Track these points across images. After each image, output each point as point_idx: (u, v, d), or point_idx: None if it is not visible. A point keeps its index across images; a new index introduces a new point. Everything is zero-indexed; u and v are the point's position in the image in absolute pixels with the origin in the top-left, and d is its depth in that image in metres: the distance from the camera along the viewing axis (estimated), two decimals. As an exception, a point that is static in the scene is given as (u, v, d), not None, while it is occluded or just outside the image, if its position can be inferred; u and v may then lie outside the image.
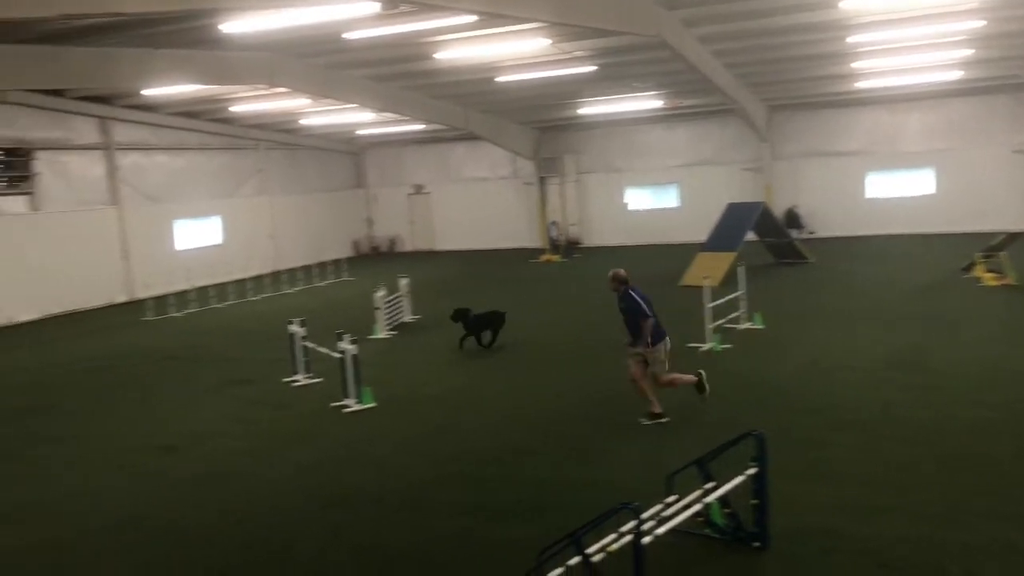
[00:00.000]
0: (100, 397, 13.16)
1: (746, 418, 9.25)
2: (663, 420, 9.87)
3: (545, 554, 5.45)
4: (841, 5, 15.61)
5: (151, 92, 20.95)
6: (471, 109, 26.79)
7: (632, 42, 17.84)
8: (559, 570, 5.53)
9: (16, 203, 21.71)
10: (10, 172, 21.48)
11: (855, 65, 21.86)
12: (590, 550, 5.60)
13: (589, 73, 20.81)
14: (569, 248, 29.93)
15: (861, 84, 24.45)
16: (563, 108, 27.39)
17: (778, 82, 24.40)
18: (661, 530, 6.01)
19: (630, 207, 31.50)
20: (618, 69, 20.99)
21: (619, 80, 22.65)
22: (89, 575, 7.03)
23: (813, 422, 9.63)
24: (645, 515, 5.97)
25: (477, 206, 33.04)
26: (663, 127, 30.17)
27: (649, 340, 9.80)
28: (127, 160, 24.55)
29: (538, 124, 30.65)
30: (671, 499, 6.50)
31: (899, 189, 28.02)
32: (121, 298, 23.84)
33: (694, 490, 6.55)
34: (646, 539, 5.73)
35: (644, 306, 9.79)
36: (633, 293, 9.92)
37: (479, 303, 20.16)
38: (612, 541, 5.74)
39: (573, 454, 9.14)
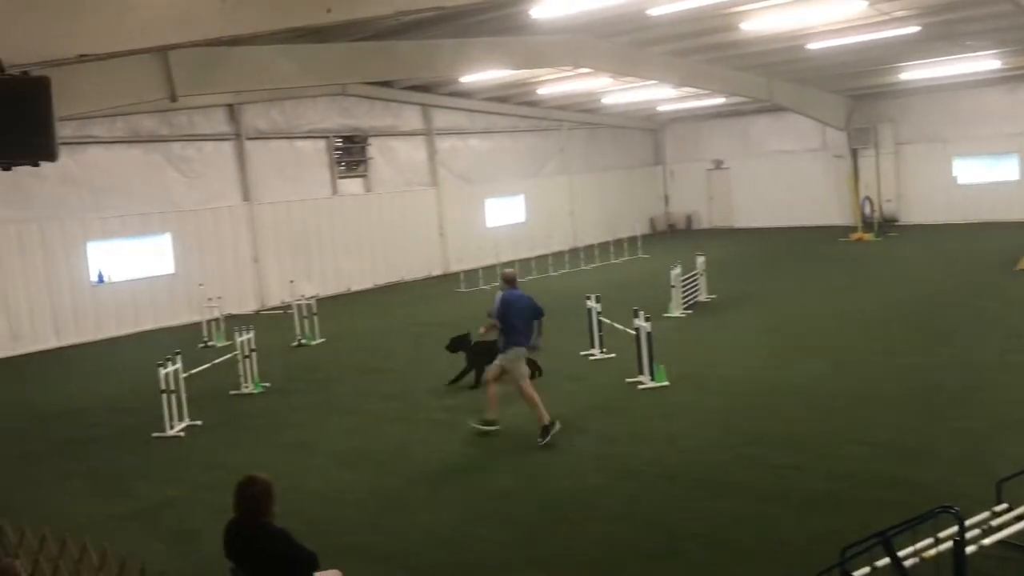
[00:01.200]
0: (423, 359, 14.50)
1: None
2: (494, 428, 9.80)
3: (850, 551, 5.17)
4: None
5: (467, 79, 22.47)
6: (776, 79, 25.58)
7: (966, -3, 15.96)
8: (864, 570, 5.22)
9: (354, 185, 24.49)
10: (348, 157, 24.27)
11: None
12: (902, 553, 5.22)
13: (911, 34, 18.94)
14: (884, 226, 27.63)
15: None
16: (879, 74, 25.20)
17: None
18: (988, 540, 5.44)
19: (959, 181, 28.35)
20: (946, 28, 18.87)
21: (947, 40, 20.35)
22: (412, 520, 7.83)
23: None
24: (969, 522, 5.44)
25: (780, 181, 31.58)
26: (1002, 90, 26.69)
27: (501, 344, 9.76)
28: (445, 144, 26.64)
29: (851, 92, 28.52)
30: (1001, 508, 5.86)
31: None
32: (437, 271, 26.01)
33: (1030, 500, 5.84)
34: (970, 548, 5.22)
35: (498, 307, 9.86)
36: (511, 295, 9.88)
37: (778, 285, 19.41)
38: (928, 546, 5.30)
39: (886, 447, 8.53)
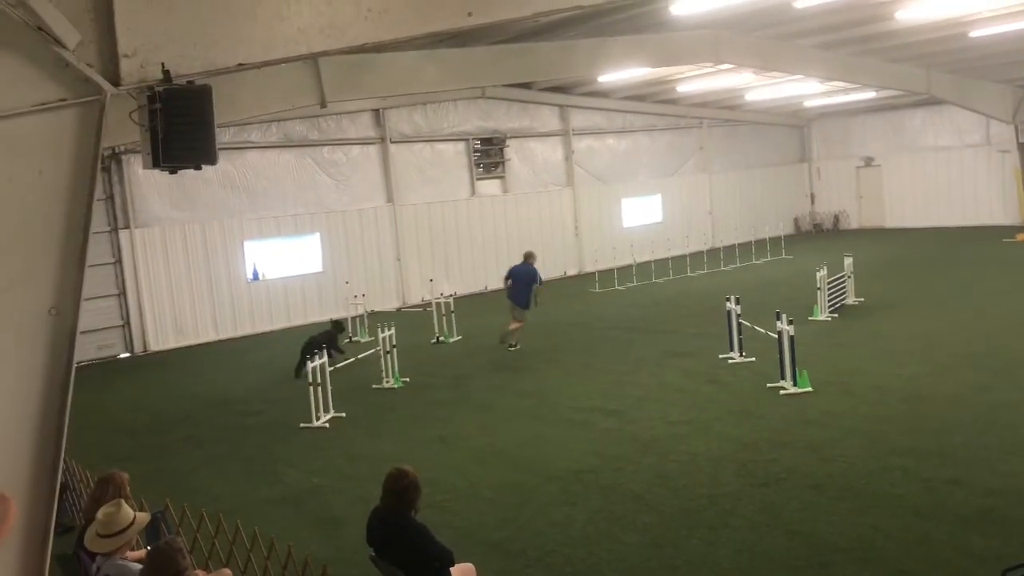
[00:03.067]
0: (556, 358, 14.57)
1: None
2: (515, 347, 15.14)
3: (1011, 574, 4.81)
4: None
5: (605, 79, 22.37)
6: (934, 70, 24.06)
7: None
8: (1030, 594, 4.84)
9: (491, 186, 24.88)
10: (487, 159, 24.68)
11: None
12: (1073, 579, 4.81)
13: (1092, 17, 17.40)
14: (1055, 226, 25.54)
15: None
16: (1053, 61, 23.28)
17: None
18: None
19: None
20: None
21: None
22: (545, 517, 7.87)
23: None
24: None
25: (938, 178, 29.72)
26: None
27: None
28: (581, 144, 26.63)
29: (1020, 82, 26.47)
30: None
31: None
32: (572, 271, 26.02)
33: None
34: None
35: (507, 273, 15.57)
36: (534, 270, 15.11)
37: (934, 288, 18.26)
38: (1105, 573, 4.86)
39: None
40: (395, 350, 13.61)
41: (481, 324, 18.35)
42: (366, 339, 16.98)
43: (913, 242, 26.53)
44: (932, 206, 29.87)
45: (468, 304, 20.21)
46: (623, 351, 14.70)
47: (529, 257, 15.49)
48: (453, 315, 17.29)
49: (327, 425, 11.50)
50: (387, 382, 13.45)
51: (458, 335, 17.09)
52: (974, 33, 18.60)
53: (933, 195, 29.86)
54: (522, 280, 15.11)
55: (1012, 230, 25.62)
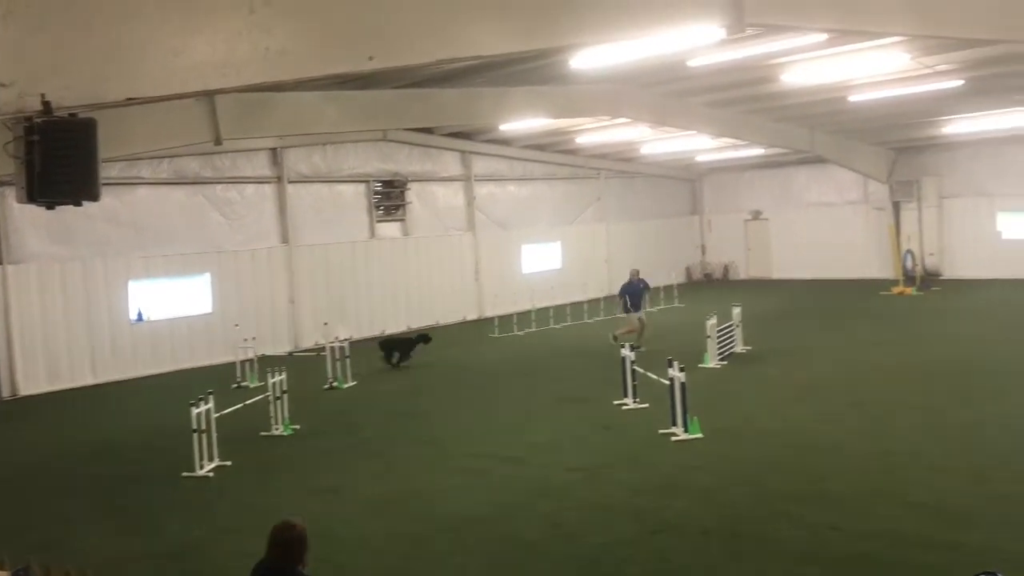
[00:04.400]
0: (454, 405, 14.43)
1: None
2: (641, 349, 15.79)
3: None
4: None
5: (507, 127, 22.70)
6: (817, 131, 25.49)
7: (1012, 51, 15.80)
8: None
9: (391, 228, 24.71)
10: (387, 202, 24.55)
11: None
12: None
13: (955, 88, 18.81)
14: (926, 280, 27.16)
15: None
16: (922, 127, 24.99)
17: None
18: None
19: (1004, 235, 27.80)
20: (992, 82, 18.68)
21: (992, 95, 20.16)
22: (438, 569, 7.71)
23: None
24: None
25: (820, 233, 31.26)
26: (1049, 144, 26.27)
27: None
28: (483, 190, 26.84)
29: (893, 144, 28.30)
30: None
31: None
32: (472, 316, 26.00)
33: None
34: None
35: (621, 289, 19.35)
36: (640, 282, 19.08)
37: (817, 338, 19.10)
38: (974, 615, 5.07)
39: (925, 508, 8.25)
40: (285, 396, 13.21)
41: (378, 369, 18.07)
42: (255, 384, 16.44)
43: (798, 293, 27.72)
44: (816, 259, 31.31)
45: (364, 349, 19.84)
46: (521, 397, 14.70)
47: (636, 274, 19.22)
48: (348, 360, 16.94)
49: (211, 474, 10.98)
50: (276, 429, 13.00)
51: (353, 381, 16.75)
52: (853, 98, 19.82)
53: (816, 248, 31.33)
54: (636, 292, 18.85)
55: (888, 283, 27.12)
